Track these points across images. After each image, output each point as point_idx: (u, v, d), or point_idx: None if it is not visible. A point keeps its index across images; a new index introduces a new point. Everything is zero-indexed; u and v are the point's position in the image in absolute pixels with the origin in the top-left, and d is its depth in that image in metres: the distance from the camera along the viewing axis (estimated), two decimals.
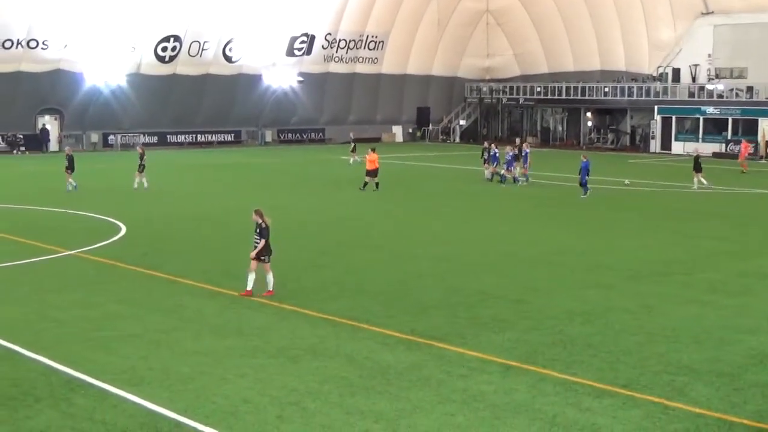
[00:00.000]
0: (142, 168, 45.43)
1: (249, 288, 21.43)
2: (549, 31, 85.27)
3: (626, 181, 47.67)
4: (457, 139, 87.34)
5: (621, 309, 20.71)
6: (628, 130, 79.65)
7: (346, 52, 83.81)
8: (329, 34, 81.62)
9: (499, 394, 14.67)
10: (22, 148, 70.10)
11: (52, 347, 17.06)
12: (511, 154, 48.76)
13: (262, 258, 21.42)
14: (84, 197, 40.91)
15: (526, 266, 26.03)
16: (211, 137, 79.27)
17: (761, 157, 67.62)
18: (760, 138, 69.01)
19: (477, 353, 16.90)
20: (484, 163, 50.43)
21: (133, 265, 25.54)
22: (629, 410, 13.97)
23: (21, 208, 37.60)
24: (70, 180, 43.86)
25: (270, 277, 21.61)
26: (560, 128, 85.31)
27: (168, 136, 77.19)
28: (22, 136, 70.67)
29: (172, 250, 28.39)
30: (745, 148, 60.45)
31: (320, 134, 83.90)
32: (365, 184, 44.30)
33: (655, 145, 74.10)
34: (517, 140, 55.60)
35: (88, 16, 68.37)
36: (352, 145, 63.81)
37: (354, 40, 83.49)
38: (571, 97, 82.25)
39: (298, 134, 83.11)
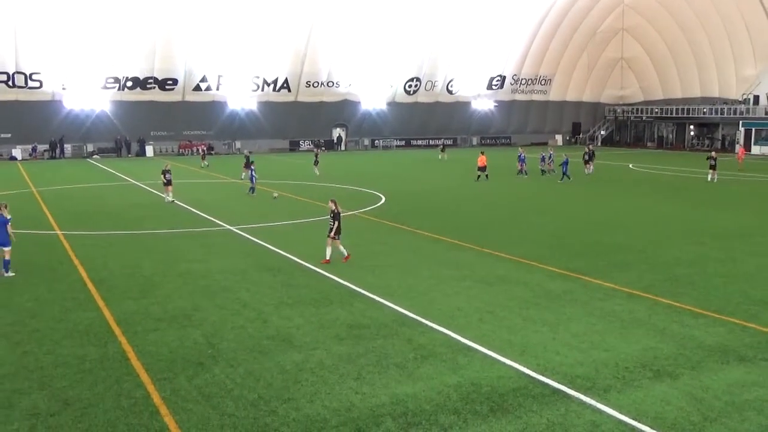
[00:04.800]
0: (317, 162, 44.76)
1: (327, 258, 18.47)
2: (664, 70, 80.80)
3: (709, 177, 41.18)
4: (599, 144, 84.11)
5: (713, 258, 19.46)
6: (720, 138, 74.40)
7: (526, 87, 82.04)
8: (515, 75, 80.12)
9: (625, 312, 14.16)
10: (323, 148, 72.71)
11: (340, 271, 17.65)
12: (543, 155, 45.40)
13: (335, 237, 18.54)
14: (359, 178, 41.91)
15: (644, 228, 24.80)
16: (438, 141, 79.53)
17: None
18: None
19: (611, 284, 16.34)
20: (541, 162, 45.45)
21: (389, 221, 26.06)
22: (717, 327, 13.20)
23: (319, 184, 38.87)
24: (244, 174, 40.44)
25: (342, 248, 18.71)
26: (671, 137, 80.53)
27: (411, 141, 78.00)
28: (323, 141, 73.29)
29: (412, 212, 28.62)
30: (742, 152, 54.60)
31: (508, 139, 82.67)
32: (478, 177, 40.59)
33: (738, 148, 68.99)
34: (549, 148, 50.40)
35: (365, 66, 70.04)
36: (442, 146, 63.14)
37: (531, 79, 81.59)
38: (679, 116, 77.31)
39: (493, 139, 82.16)
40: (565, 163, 41.26)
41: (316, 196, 33.27)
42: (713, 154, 42.34)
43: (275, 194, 32.37)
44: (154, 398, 10.04)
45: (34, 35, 56.51)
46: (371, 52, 68.98)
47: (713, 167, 40.80)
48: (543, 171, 44.47)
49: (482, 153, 42.47)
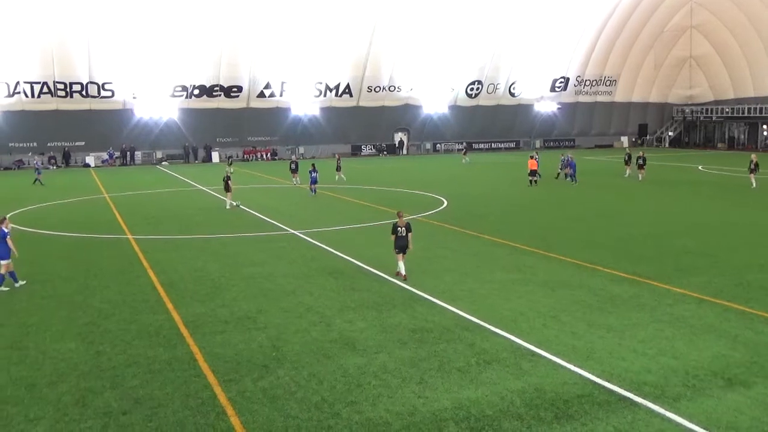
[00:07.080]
0: (339, 168, 43.83)
1: (398, 270, 17.34)
2: (735, 69, 77.88)
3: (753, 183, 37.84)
4: (666, 145, 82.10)
5: None
6: None
7: (590, 88, 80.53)
8: (579, 76, 78.78)
9: (695, 318, 13.76)
10: (385, 153, 72.92)
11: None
12: (563, 158, 44.21)
13: (397, 251, 17.41)
14: (422, 182, 41.87)
15: (711, 231, 24.06)
16: (501, 144, 78.79)
17: None
18: None
19: (679, 289, 15.90)
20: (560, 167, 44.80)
21: (451, 225, 25.97)
22: None
23: (383, 189, 39.00)
24: (295, 178, 42.04)
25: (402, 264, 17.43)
26: (743, 137, 77.91)
27: (473, 144, 77.39)
28: (384, 145, 73.50)
29: (473, 215, 28.41)
30: None
31: (572, 142, 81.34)
32: (530, 180, 39.79)
33: None
34: (568, 152, 47.58)
35: (427, 70, 70.01)
36: (464, 149, 62.12)
37: (596, 80, 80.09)
38: (751, 115, 74.64)
39: (556, 142, 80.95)
40: (572, 166, 41.10)
41: (377, 200, 33.38)
42: (753, 157, 38.96)
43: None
44: (220, 399, 10.25)
45: (106, 47, 58.46)
46: (432, 56, 68.90)
47: (753, 171, 37.70)
48: (565, 175, 43.27)
49: (532, 157, 41.66)
